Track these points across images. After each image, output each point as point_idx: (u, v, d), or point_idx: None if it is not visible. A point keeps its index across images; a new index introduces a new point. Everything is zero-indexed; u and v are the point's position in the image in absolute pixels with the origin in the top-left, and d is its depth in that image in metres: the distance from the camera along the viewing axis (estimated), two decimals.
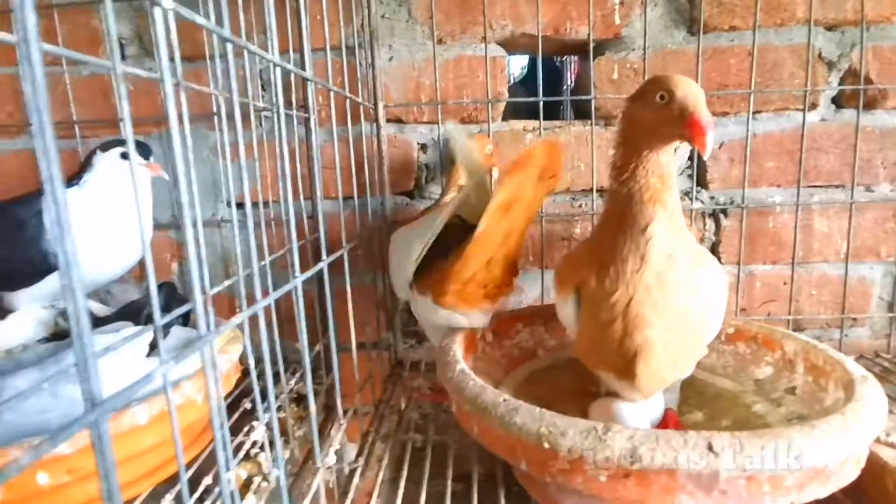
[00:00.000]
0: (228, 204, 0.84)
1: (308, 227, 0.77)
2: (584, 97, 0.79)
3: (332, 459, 0.54)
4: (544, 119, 0.80)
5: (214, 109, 0.76)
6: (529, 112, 0.85)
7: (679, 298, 0.44)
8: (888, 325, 0.86)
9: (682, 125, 0.41)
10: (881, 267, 0.84)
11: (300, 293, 0.45)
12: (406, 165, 0.83)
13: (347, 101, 0.73)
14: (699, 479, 0.35)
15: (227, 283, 0.49)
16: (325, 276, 0.53)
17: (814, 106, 0.81)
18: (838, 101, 0.81)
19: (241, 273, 0.41)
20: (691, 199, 0.83)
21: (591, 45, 0.77)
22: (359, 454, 0.58)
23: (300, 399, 0.74)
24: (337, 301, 0.85)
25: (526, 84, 1.42)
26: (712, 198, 0.84)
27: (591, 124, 0.79)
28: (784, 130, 0.81)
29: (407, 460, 0.56)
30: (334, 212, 0.80)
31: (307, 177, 0.78)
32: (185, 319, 0.65)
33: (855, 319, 0.85)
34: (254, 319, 0.36)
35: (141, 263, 0.73)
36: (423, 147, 0.84)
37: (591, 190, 0.81)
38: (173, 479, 0.51)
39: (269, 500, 0.51)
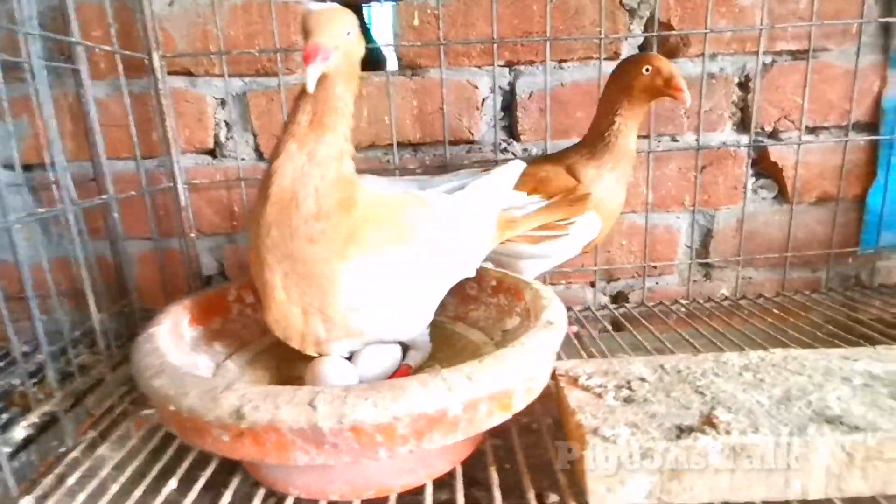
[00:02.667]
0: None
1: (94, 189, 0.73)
2: (379, 44, 0.75)
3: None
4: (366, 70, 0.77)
5: None
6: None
7: (297, 244, 0.43)
8: (694, 272, 0.89)
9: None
10: (687, 216, 0.85)
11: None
12: (202, 122, 0.79)
13: (117, 55, 0.68)
14: (304, 434, 0.35)
15: None
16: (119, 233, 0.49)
17: (616, 55, 0.80)
18: (645, 50, 0.80)
19: None
20: (503, 152, 0.82)
21: None
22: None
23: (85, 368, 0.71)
24: (141, 267, 0.83)
25: None
26: (525, 150, 0.83)
27: (387, 75, 0.76)
28: (591, 80, 0.79)
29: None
30: (128, 172, 0.76)
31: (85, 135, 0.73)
32: None
33: (655, 267, 0.87)
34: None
35: None
36: (223, 102, 0.79)
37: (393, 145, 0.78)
38: None
39: None
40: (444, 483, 0.45)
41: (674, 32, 0.78)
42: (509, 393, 0.39)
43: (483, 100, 0.80)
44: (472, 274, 0.58)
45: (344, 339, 0.49)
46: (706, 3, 0.74)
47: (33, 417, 0.55)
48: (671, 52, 0.80)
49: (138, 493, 0.44)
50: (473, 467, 0.47)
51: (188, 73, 0.77)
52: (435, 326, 0.63)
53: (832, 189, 0.84)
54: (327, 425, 0.34)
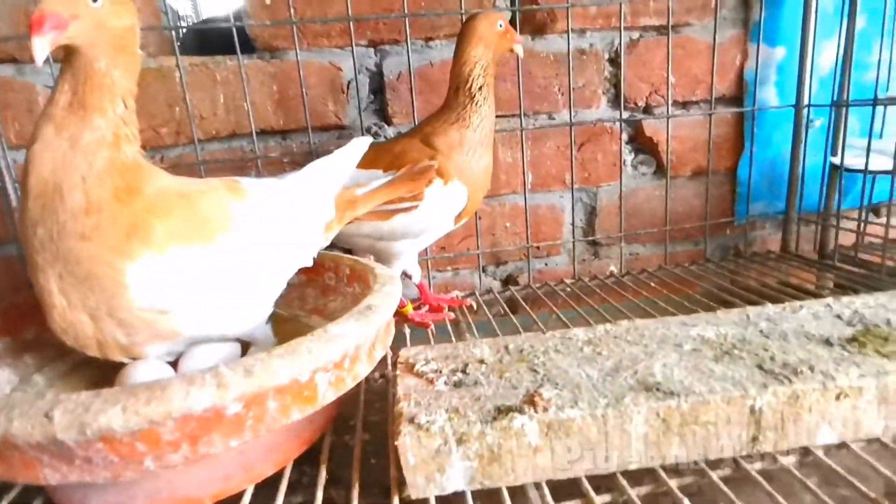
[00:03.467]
0: None
1: None
2: (222, 24, 0.70)
3: None
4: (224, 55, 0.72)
5: None
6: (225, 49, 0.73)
7: (68, 243, 0.38)
8: (583, 252, 0.89)
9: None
10: (569, 194, 0.85)
11: None
12: (33, 112, 0.71)
13: None
14: (46, 449, 0.30)
15: None
16: None
17: None
18: (518, 28, 0.78)
19: None
20: (374, 136, 0.79)
21: None
22: None
23: None
24: None
25: None
26: (398, 133, 0.80)
27: (238, 57, 0.70)
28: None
29: None
30: None
31: None
32: None
33: (538, 248, 0.86)
34: None
35: None
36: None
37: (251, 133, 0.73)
38: None
39: None
40: (269, 484, 0.42)
41: (537, 7, 0.77)
42: (306, 384, 0.36)
43: (348, 82, 0.77)
44: (309, 263, 0.54)
45: (155, 341, 0.44)
46: None
47: None
48: (539, 28, 0.79)
49: None
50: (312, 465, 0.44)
51: (13, 60, 0.69)
52: (289, 321, 0.60)
53: (705, 162, 0.86)
54: (69, 437, 0.30)
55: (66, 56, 0.39)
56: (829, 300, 0.51)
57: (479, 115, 0.64)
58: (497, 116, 0.80)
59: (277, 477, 0.42)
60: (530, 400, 0.39)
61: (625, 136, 0.85)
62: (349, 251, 0.69)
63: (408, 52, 0.73)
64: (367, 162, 0.61)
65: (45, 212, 0.38)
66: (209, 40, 0.77)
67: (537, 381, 0.42)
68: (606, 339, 0.49)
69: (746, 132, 0.85)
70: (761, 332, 0.47)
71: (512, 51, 0.65)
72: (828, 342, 0.43)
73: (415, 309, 0.72)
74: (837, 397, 0.37)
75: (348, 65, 0.76)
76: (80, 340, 0.42)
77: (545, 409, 0.38)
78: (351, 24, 0.71)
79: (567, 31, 0.75)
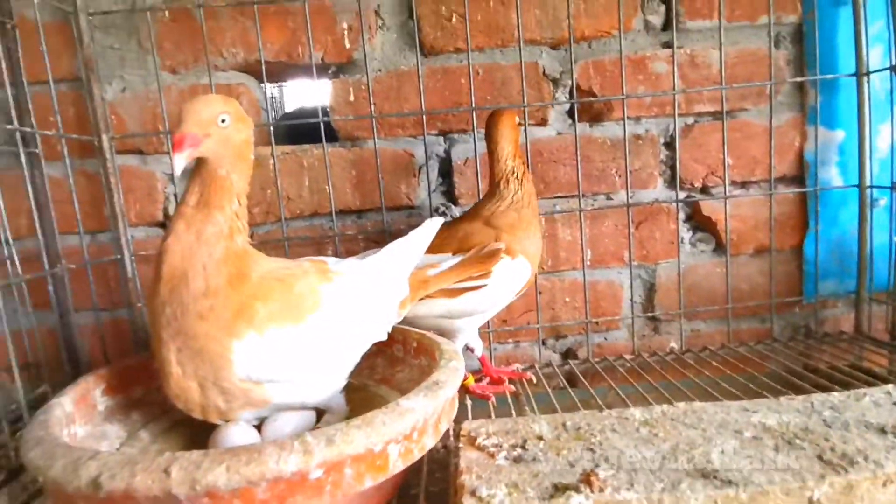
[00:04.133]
0: None
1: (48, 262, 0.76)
2: (312, 120, 0.80)
3: None
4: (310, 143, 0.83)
5: None
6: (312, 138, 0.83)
7: (188, 321, 0.45)
8: (643, 327, 0.90)
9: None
10: (628, 271, 0.87)
11: None
12: (152, 196, 0.83)
13: (63, 139, 0.73)
14: (160, 501, 0.35)
15: None
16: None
17: (544, 121, 0.84)
18: (577, 117, 0.84)
19: None
20: (442, 215, 0.85)
21: (315, 68, 0.79)
22: None
23: None
24: (91, 337, 0.84)
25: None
26: (452, 219, 0.86)
27: (324, 147, 0.80)
28: (521, 145, 0.83)
29: None
30: (77, 246, 0.79)
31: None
32: None
33: (597, 323, 0.87)
34: None
35: None
36: (171, 177, 0.83)
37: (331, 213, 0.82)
38: None
39: None
40: None
41: (594, 99, 0.83)
42: (379, 454, 0.40)
43: (420, 167, 0.84)
44: (384, 338, 0.59)
45: (247, 408, 0.49)
46: (621, 73, 0.79)
47: None
48: (597, 116, 0.85)
49: None
50: None
51: (139, 152, 0.82)
52: (359, 390, 0.64)
53: (768, 241, 0.86)
54: (182, 492, 0.35)
55: (197, 164, 0.47)
56: (890, 388, 0.50)
57: (529, 194, 0.71)
58: (557, 197, 0.85)
59: None
60: (587, 479, 0.41)
61: (682, 215, 0.87)
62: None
63: (474, 139, 0.80)
64: (433, 247, 0.66)
65: (173, 294, 0.45)
66: (297, 131, 0.87)
67: (594, 461, 0.44)
68: (663, 420, 0.50)
69: (811, 211, 0.85)
70: (824, 421, 0.46)
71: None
72: (883, 430, 0.43)
73: (476, 381, 0.74)
74: (884, 484, 0.37)
75: (420, 152, 0.84)
76: (188, 404, 0.48)
77: (601, 490, 0.39)
78: (423, 117, 0.80)
79: (623, 119, 0.80)
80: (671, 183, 0.86)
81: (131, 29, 0.79)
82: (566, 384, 0.80)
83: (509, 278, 0.68)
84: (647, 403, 0.66)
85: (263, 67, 0.78)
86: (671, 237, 0.87)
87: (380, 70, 0.82)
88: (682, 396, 0.67)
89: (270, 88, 1.99)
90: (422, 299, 0.63)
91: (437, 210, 0.85)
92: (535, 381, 0.77)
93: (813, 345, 0.83)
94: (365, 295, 0.55)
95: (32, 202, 0.72)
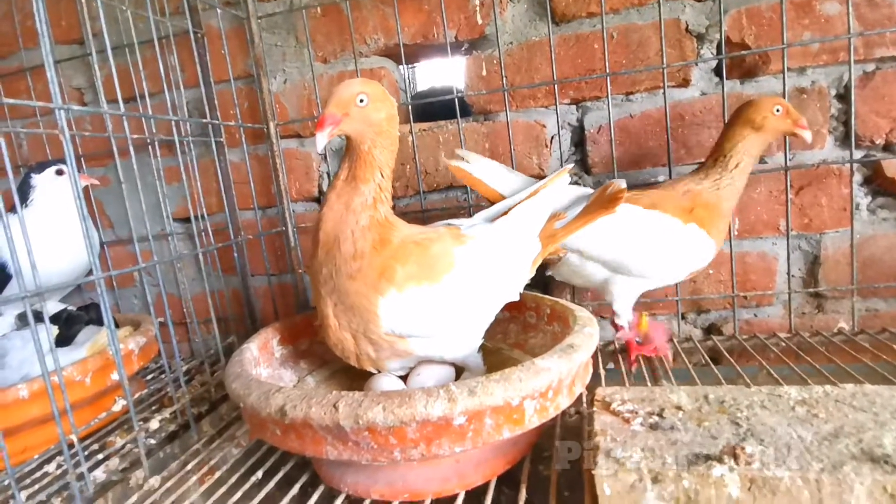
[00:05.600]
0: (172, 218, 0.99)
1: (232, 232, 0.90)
2: (447, 97, 0.83)
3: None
4: (444, 119, 0.87)
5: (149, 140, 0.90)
6: (446, 115, 0.87)
7: (341, 280, 0.50)
8: (803, 304, 0.81)
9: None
10: (784, 241, 0.79)
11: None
12: (309, 175, 0.93)
13: (241, 128, 0.86)
14: (331, 430, 0.41)
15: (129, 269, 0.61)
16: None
17: (686, 82, 0.79)
18: (725, 73, 0.77)
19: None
20: (575, 185, 0.84)
21: (449, 47, 0.82)
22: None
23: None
24: (263, 298, 0.98)
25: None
26: (597, 182, 0.84)
27: (458, 121, 0.83)
28: (661, 108, 0.79)
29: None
30: (252, 220, 0.92)
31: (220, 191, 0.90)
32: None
33: (745, 297, 0.80)
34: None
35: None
36: (325, 157, 0.93)
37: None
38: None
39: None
40: (477, 493, 0.49)
41: (747, 52, 0.75)
42: (516, 408, 0.42)
43: (552, 137, 0.84)
44: (517, 298, 0.61)
45: (393, 358, 0.55)
46: (781, 18, 0.71)
47: (169, 418, 0.69)
48: (749, 72, 0.77)
49: (233, 479, 0.54)
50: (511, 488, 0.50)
51: (297, 136, 0.93)
52: (495, 352, 0.67)
53: None
54: (347, 424, 0.40)
55: (347, 143, 0.53)
56: None
57: (733, 187, 0.68)
58: (699, 163, 0.79)
59: (483, 490, 0.49)
60: (732, 451, 0.39)
61: (858, 178, 0.76)
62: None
63: (608, 107, 0.78)
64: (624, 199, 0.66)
65: (328, 257, 0.51)
66: (433, 108, 0.92)
67: (739, 435, 0.42)
68: (825, 401, 0.46)
69: None
70: None
71: (796, 135, 0.66)
72: None
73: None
74: None
75: (552, 121, 0.83)
76: (345, 352, 0.55)
77: (748, 463, 0.38)
78: (556, 86, 0.79)
79: (783, 72, 0.72)
80: (843, 141, 0.76)
81: (290, 27, 0.88)
82: (708, 360, 0.75)
83: (698, 256, 0.68)
84: (805, 385, 0.60)
85: (402, 50, 0.83)
86: (843, 203, 0.76)
87: (511, 43, 0.82)
88: (852, 381, 0.60)
89: (405, 70, 2.09)
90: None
91: (574, 181, 0.85)
92: (671, 359, 0.74)
93: None
94: (497, 255, 0.58)
95: (221, 184, 0.86)
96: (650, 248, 0.67)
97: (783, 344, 0.75)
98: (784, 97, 0.72)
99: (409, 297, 0.52)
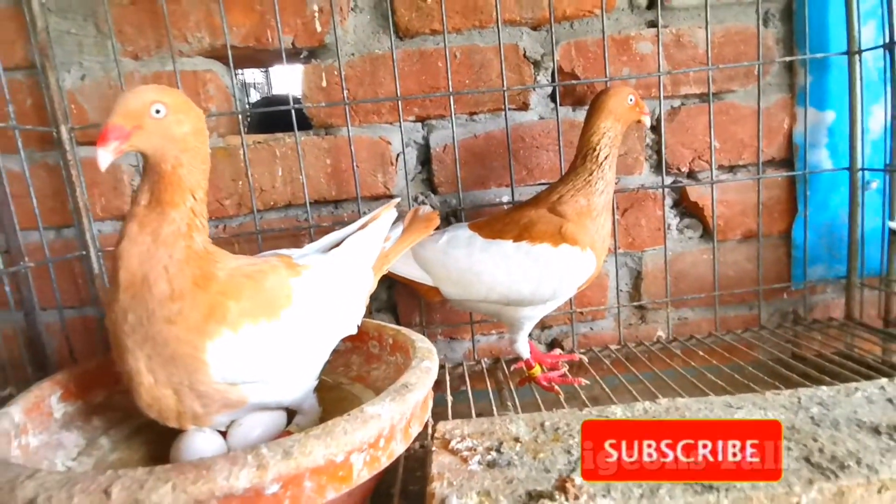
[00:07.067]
0: None
1: (4, 261, 0.73)
2: (282, 107, 0.76)
3: None
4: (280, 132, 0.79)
5: None
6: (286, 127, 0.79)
7: (156, 327, 0.42)
8: (630, 316, 0.88)
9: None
10: (613, 259, 0.85)
11: None
12: (118, 189, 0.79)
13: (16, 130, 0.70)
14: None
15: None
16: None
17: (525, 105, 0.81)
18: (559, 100, 0.80)
19: None
20: (421, 204, 0.82)
21: (284, 53, 0.75)
22: None
23: None
24: (59, 336, 0.81)
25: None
26: (444, 201, 0.83)
27: (296, 135, 0.77)
28: (503, 130, 0.80)
29: None
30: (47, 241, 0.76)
31: None
32: None
33: (582, 313, 0.86)
34: None
35: None
36: (140, 169, 0.80)
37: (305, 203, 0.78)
38: None
39: None
40: None
41: (576, 81, 0.79)
42: (341, 465, 0.37)
43: (397, 155, 0.81)
44: (354, 331, 0.56)
45: (224, 411, 0.47)
46: (604, 54, 0.76)
47: None
48: (580, 100, 0.82)
49: None
50: None
51: None
52: (334, 388, 0.62)
53: (756, 226, 0.83)
54: None
55: (144, 161, 0.44)
56: (884, 382, 0.49)
57: (605, 181, 0.66)
58: (540, 184, 0.82)
59: None
60: (562, 486, 0.39)
61: (669, 201, 0.85)
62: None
63: (453, 125, 0.77)
64: (494, 233, 0.65)
65: (135, 300, 0.42)
66: (272, 118, 0.84)
67: (570, 465, 0.42)
68: (645, 418, 0.48)
69: (799, 195, 0.83)
70: (812, 418, 0.44)
71: (639, 122, 0.69)
72: (877, 430, 0.41)
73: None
74: (879, 490, 0.35)
75: (397, 139, 0.80)
76: (163, 413, 0.45)
77: (576, 497, 0.38)
78: (399, 102, 0.76)
79: None
80: (657, 168, 0.84)
81: (88, 12, 0.74)
82: None
83: (581, 270, 0.65)
84: (631, 396, 0.64)
85: (230, 52, 0.74)
86: (658, 224, 0.84)
87: (353, 54, 0.78)
88: (667, 388, 0.65)
89: (253, 74, 1.93)
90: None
91: (416, 199, 0.82)
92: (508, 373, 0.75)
93: (801, 332, 0.82)
94: (336, 287, 0.53)
95: None
96: (530, 280, 0.65)
97: (614, 356, 0.80)
98: None
99: (245, 337, 0.44)
